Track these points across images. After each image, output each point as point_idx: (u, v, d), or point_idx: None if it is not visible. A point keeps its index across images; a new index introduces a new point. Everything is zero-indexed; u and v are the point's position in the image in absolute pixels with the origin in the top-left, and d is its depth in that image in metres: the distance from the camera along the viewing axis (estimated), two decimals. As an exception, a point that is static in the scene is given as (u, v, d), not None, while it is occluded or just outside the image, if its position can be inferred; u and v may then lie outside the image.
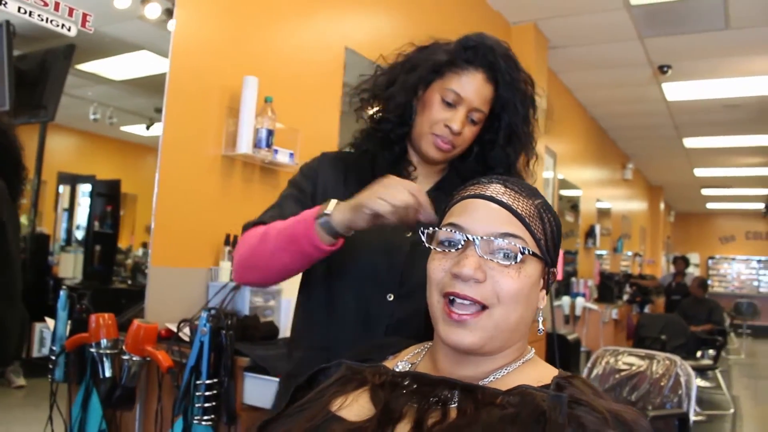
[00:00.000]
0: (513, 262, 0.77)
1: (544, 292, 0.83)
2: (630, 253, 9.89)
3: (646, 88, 6.13)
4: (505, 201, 0.80)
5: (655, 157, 9.64)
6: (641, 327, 6.15)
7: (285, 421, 0.80)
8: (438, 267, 0.80)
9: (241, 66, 2.50)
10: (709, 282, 10.82)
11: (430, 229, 0.85)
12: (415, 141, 1.21)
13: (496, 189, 0.82)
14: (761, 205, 13.62)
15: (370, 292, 1.15)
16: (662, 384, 1.77)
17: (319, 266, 1.17)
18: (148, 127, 2.61)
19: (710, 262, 15.99)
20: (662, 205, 12.98)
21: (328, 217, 1.02)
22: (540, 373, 0.80)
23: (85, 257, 2.43)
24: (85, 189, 2.52)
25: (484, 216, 0.79)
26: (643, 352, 1.91)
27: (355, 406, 0.78)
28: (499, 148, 1.21)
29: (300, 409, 0.82)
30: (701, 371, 5.76)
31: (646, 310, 7.64)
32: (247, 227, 1.18)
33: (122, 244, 2.59)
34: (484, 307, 0.76)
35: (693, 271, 12.10)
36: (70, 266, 2.40)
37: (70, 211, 2.46)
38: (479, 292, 0.76)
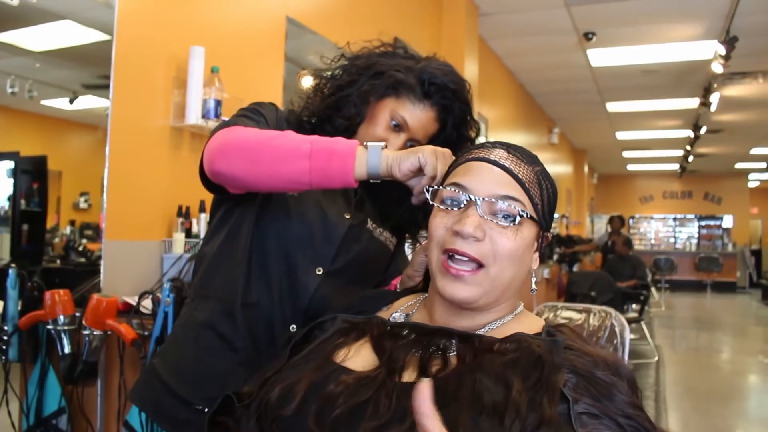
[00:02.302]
0: (511, 224, 0.80)
1: (538, 253, 0.87)
2: (557, 215, 10.25)
3: (571, 55, 6.30)
4: (507, 166, 0.83)
5: (579, 121, 9.96)
6: (572, 284, 6.43)
7: (290, 373, 0.80)
8: (440, 224, 0.83)
9: (187, 36, 2.44)
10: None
11: (435, 186, 0.88)
12: None
13: (499, 153, 0.85)
14: (676, 166, 14.32)
15: (302, 260, 1.15)
16: (599, 335, 1.88)
17: (248, 223, 1.17)
18: (71, 101, 2.50)
19: (631, 221, 16.76)
20: (586, 168, 13.44)
21: (379, 148, 0.98)
22: (531, 323, 0.85)
23: (12, 237, 2.33)
24: (7, 166, 2.40)
25: (487, 178, 0.82)
26: (580, 306, 2.01)
27: (359, 358, 0.81)
28: None
29: (304, 360, 0.83)
30: (627, 323, 6.10)
31: (575, 269, 7.97)
32: (226, 125, 1.12)
33: (48, 223, 2.49)
34: (480, 265, 0.80)
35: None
36: (-5, 246, 2.30)
37: (-9, 189, 2.34)
38: (477, 250, 0.79)
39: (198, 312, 1.20)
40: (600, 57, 6.35)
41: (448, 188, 0.84)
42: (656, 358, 6.13)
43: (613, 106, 8.67)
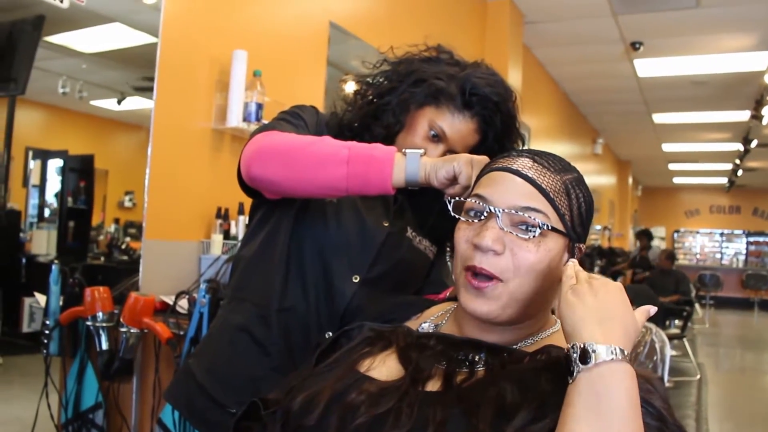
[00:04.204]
0: (532, 236, 0.77)
1: None
2: (599, 227, 10.06)
3: (618, 65, 6.18)
4: (529, 175, 0.80)
5: (624, 132, 9.76)
6: (611, 298, 6.25)
7: (313, 381, 0.79)
8: (462, 237, 0.81)
9: (230, 39, 2.48)
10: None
11: (458, 198, 0.86)
12: None
13: (523, 163, 0.82)
14: (724, 180, 13.91)
15: (338, 267, 1.14)
16: (638, 350, 1.83)
17: (285, 228, 1.17)
18: (119, 102, 2.56)
19: (675, 235, 16.34)
20: (630, 180, 13.17)
21: (418, 156, 0.97)
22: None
23: (59, 233, 2.40)
24: (56, 164, 2.47)
25: (508, 189, 0.80)
26: (619, 321, 1.97)
27: (384, 368, 0.79)
28: None
29: (329, 368, 0.82)
30: (669, 340, 5.95)
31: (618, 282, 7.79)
32: (265, 129, 1.12)
33: (93, 221, 2.56)
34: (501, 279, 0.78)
35: (659, 245, 12.34)
36: (43, 243, 2.37)
37: (41, 187, 2.41)
38: (497, 265, 0.77)
39: (234, 315, 1.20)
40: (647, 67, 6.21)
41: (471, 200, 0.82)
42: (698, 377, 5.94)
43: (659, 118, 8.48)
